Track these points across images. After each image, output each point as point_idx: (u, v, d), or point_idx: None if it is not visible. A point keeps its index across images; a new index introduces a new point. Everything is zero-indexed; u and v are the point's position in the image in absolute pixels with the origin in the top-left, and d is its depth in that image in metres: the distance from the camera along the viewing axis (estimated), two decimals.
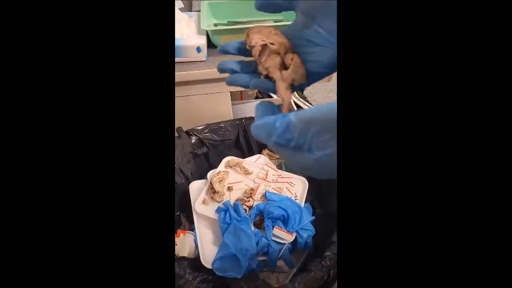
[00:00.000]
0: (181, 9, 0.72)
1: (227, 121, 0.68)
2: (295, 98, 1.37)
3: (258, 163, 0.65)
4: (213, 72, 0.59)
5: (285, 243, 0.50)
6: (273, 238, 0.50)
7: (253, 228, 0.51)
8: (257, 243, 0.49)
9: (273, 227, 0.51)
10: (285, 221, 0.52)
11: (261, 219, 0.53)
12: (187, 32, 0.61)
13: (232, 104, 0.95)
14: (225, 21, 0.70)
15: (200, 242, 0.52)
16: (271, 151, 0.70)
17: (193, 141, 0.64)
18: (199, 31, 0.62)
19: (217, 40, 0.64)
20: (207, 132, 0.66)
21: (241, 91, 1.06)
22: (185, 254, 0.51)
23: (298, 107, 1.33)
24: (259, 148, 0.70)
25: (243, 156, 0.67)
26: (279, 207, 0.51)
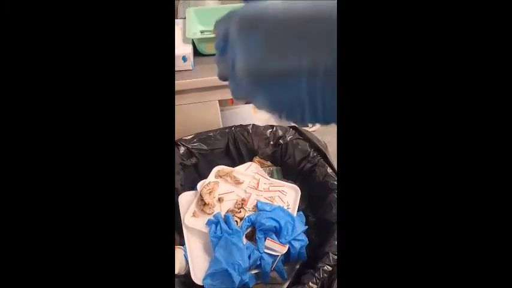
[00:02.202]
0: None
1: (216, 130, 0.66)
2: None
3: (249, 171, 0.64)
4: (200, 81, 0.58)
5: (278, 255, 0.49)
6: (266, 250, 0.49)
7: (245, 240, 0.50)
8: (249, 257, 0.47)
9: (265, 238, 0.50)
10: (277, 232, 0.51)
11: (253, 230, 0.52)
12: None
13: (222, 110, 0.94)
14: (211, 28, 0.69)
15: (191, 257, 0.50)
16: (262, 158, 0.69)
17: (181, 151, 0.63)
18: (185, 39, 0.61)
19: (203, 48, 0.62)
20: (195, 142, 0.64)
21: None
22: (175, 271, 0.49)
23: None
24: (250, 156, 0.69)
25: (234, 165, 0.66)
26: (271, 218, 0.50)
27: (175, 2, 0.82)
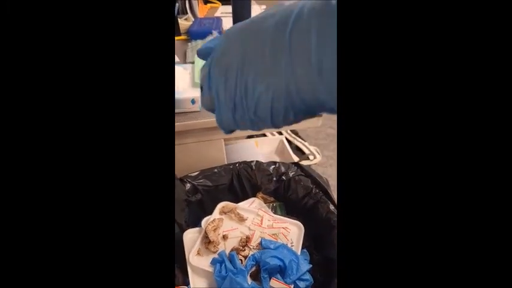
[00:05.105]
0: (176, 63, 0.76)
1: (221, 166, 0.69)
2: (287, 134, 1.40)
3: (253, 207, 0.65)
4: (207, 121, 0.62)
5: None
6: None
7: (249, 280, 0.50)
8: None
9: (270, 278, 0.49)
10: (281, 271, 0.51)
11: (258, 269, 0.51)
12: (182, 85, 0.65)
13: (227, 144, 0.97)
14: None
15: None
16: (265, 194, 0.71)
17: (187, 188, 0.64)
18: (193, 84, 0.66)
19: None
20: (201, 179, 0.66)
21: None
22: None
23: (290, 142, 1.35)
24: (253, 191, 0.70)
25: (237, 200, 0.68)
26: (275, 256, 0.51)
27: (184, 46, 0.89)
